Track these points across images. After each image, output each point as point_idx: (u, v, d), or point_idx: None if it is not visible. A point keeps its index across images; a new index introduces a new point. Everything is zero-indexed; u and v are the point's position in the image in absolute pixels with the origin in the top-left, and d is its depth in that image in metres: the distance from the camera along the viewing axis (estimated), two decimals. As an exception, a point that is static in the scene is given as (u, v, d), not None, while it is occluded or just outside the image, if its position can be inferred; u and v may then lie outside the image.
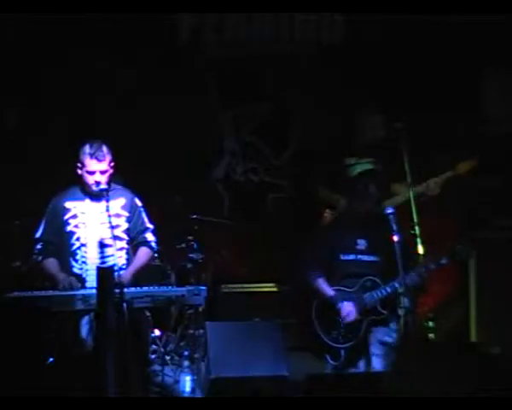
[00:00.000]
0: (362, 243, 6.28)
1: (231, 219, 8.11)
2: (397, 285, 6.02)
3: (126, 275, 5.98)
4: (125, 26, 7.85)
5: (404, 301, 5.84)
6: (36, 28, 7.70)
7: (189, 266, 7.41)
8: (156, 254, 7.32)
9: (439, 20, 7.64)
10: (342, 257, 6.30)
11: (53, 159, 7.72)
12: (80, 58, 7.89)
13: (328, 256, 6.33)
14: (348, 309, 6.20)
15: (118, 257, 5.98)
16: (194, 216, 7.46)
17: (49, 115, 7.91)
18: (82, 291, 5.85)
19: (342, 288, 6.29)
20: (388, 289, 6.13)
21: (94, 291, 5.60)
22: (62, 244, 6.07)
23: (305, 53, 8.25)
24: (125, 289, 5.61)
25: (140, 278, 6.20)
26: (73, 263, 6.06)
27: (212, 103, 8.35)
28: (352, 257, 6.28)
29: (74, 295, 5.77)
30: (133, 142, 7.93)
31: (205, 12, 7.81)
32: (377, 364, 6.11)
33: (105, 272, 5.56)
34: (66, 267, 6.07)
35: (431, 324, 7.88)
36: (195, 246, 7.43)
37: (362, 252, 6.27)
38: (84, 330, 5.84)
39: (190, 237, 7.44)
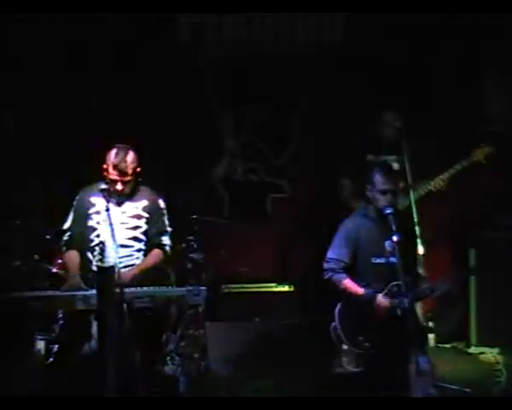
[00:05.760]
0: (389, 245, 5.91)
1: (231, 219, 8.12)
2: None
3: (128, 274, 5.95)
4: (125, 26, 7.86)
5: (404, 302, 5.82)
6: (36, 28, 7.71)
7: (189, 266, 7.41)
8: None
9: (439, 20, 7.66)
10: (373, 260, 6.01)
11: (53, 159, 7.74)
12: (80, 58, 7.90)
13: (359, 259, 6.05)
14: (386, 303, 5.89)
15: (135, 258, 6.03)
16: (194, 216, 7.46)
17: (49, 115, 7.91)
18: (82, 291, 5.84)
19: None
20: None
21: (94, 291, 5.60)
22: (85, 237, 6.09)
23: (305, 53, 8.25)
24: (125, 289, 5.60)
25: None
26: (91, 258, 6.06)
27: (212, 103, 8.36)
28: (383, 260, 5.97)
29: (75, 295, 5.77)
30: (133, 142, 7.93)
31: (205, 12, 7.82)
32: None
33: (105, 272, 5.57)
34: (85, 261, 6.08)
35: (430, 324, 7.89)
36: (195, 246, 7.44)
37: (391, 254, 5.89)
38: (84, 330, 5.84)
39: (190, 237, 7.44)
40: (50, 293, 5.91)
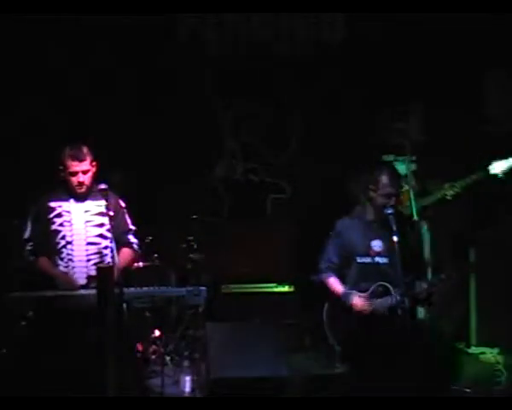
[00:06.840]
0: (377, 245, 6.12)
1: (231, 219, 8.12)
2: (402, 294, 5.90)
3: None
4: (125, 25, 7.86)
5: (404, 302, 5.83)
6: (35, 28, 7.72)
7: (189, 266, 7.41)
8: (155, 255, 7.35)
9: (439, 20, 7.66)
10: (358, 260, 6.14)
11: (53, 159, 7.73)
12: (80, 58, 7.91)
13: (345, 258, 6.19)
14: (360, 303, 6.04)
15: (103, 255, 6.04)
16: (195, 216, 7.46)
17: (49, 115, 7.91)
18: (82, 291, 5.85)
19: (355, 291, 6.13)
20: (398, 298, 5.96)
21: (94, 291, 5.60)
22: (49, 243, 6.09)
23: (305, 53, 8.25)
24: (125, 290, 5.60)
25: (139, 278, 6.20)
26: (59, 261, 6.08)
27: (212, 103, 8.36)
28: (368, 260, 6.12)
29: (74, 294, 5.77)
30: (133, 142, 7.94)
31: (205, 12, 7.82)
32: None
33: (105, 272, 5.56)
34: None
35: (431, 324, 7.89)
36: (195, 246, 7.44)
37: (378, 254, 6.10)
38: (84, 330, 5.84)
39: (190, 238, 7.44)
40: (50, 293, 5.90)
